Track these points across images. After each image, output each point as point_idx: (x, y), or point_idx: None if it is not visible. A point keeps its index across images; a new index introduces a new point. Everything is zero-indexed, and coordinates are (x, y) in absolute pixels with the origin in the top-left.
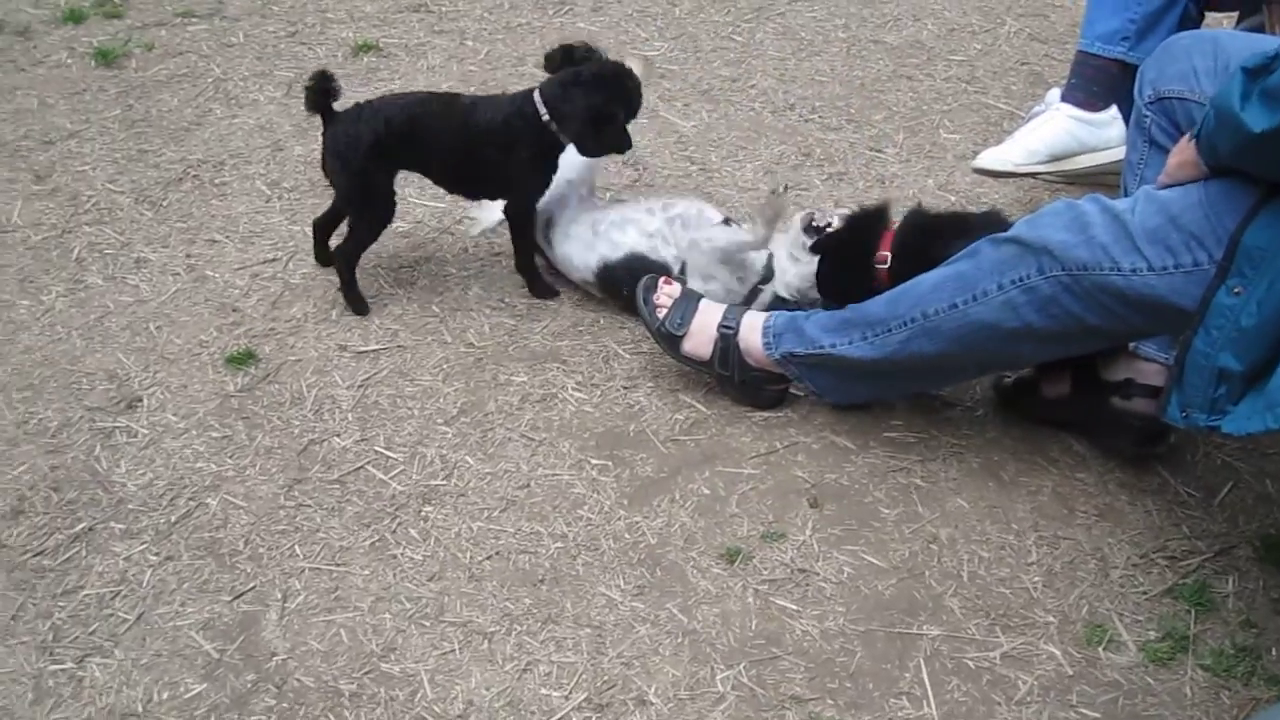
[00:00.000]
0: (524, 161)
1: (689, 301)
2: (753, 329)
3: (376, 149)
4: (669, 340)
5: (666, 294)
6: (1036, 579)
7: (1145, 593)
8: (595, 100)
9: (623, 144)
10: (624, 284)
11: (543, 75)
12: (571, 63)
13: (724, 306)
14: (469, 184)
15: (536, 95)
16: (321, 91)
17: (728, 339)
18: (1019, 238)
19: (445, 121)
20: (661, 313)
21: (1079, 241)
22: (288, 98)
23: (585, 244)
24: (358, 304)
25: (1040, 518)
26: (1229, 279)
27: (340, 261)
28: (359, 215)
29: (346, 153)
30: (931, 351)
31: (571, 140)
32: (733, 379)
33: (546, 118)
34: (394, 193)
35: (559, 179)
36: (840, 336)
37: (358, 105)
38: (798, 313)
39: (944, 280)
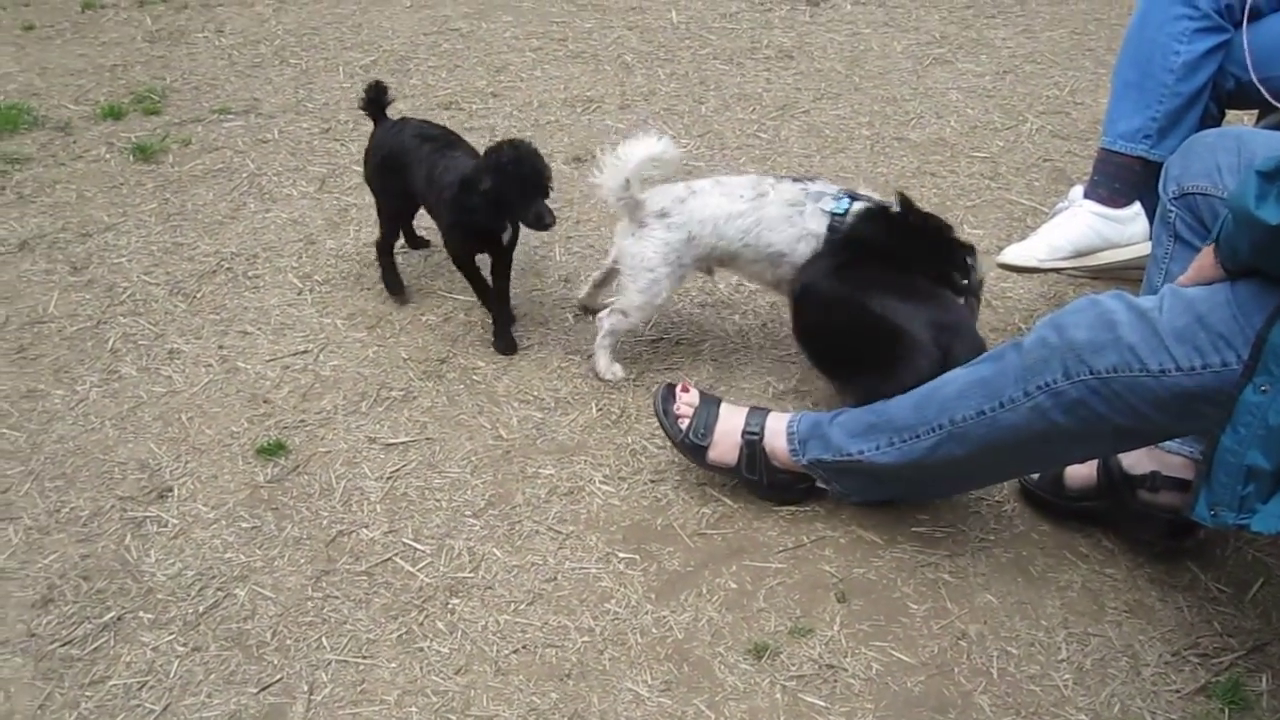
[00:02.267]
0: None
1: (709, 407)
2: (777, 434)
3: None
4: (694, 451)
5: (686, 403)
6: (1067, 676)
7: (1178, 691)
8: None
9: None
10: None
11: (568, 170)
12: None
13: (745, 409)
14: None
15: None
16: (373, 101)
17: (753, 445)
18: (1045, 341)
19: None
20: (684, 423)
21: (1106, 342)
22: (320, 193)
23: None
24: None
25: (1070, 614)
26: (1256, 377)
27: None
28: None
29: (369, 159)
30: (961, 455)
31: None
32: (761, 482)
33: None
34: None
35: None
36: (867, 443)
37: (394, 122)
38: (821, 416)
39: (969, 387)
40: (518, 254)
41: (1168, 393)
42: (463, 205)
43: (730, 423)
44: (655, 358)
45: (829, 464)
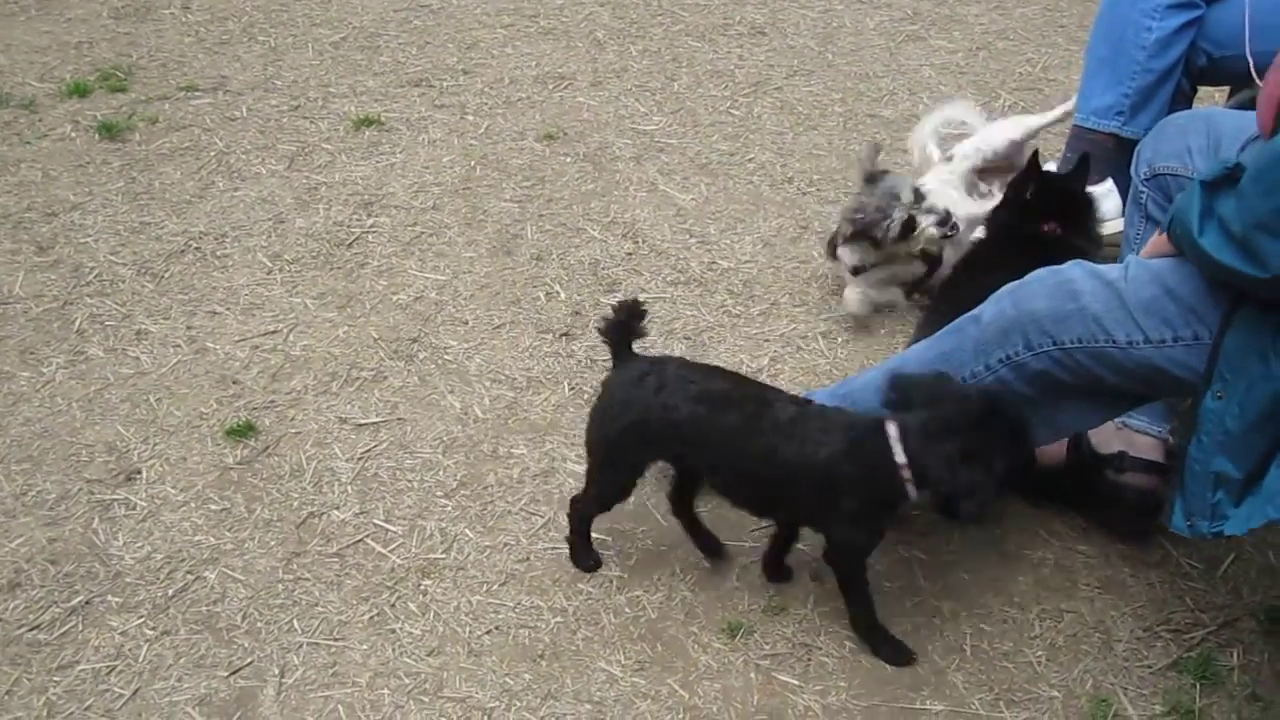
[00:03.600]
0: (849, 512)
1: None
2: None
3: (637, 432)
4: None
5: None
6: (1040, 653)
7: (1150, 666)
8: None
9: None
10: None
11: (540, 147)
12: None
13: None
14: (761, 508)
15: (892, 430)
16: (621, 325)
17: None
18: (1003, 313)
19: (739, 432)
20: None
21: (1069, 312)
22: (289, 171)
23: None
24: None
25: (1043, 590)
26: (1214, 384)
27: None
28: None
29: (605, 422)
30: None
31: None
32: None
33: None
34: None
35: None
36: None
37: (649, 364)
38: None
39: (930, 363)
40: (490, 231)
41: (1134, 364)
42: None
43: None
44: None
45: None
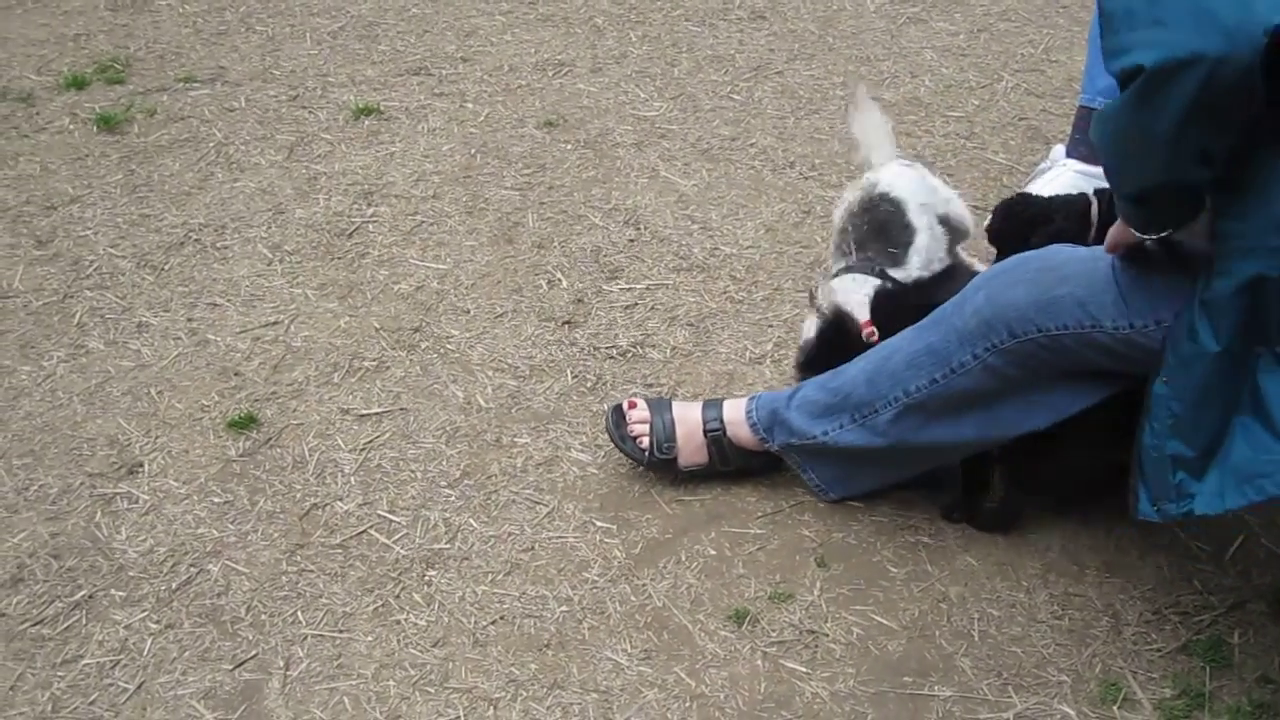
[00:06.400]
0: None
1: (662, 414)
2: (738, 424)
3: None
4: (664, 465)
5: (638, 420)
6: (1048, 637)
7: (1159, 649)
8: None
9: None
10: None
11: (540, 135)
12: None
13: (699, 405)
14: None
15: None
16: None
17: (719, 440)
18: (990, 300)
19: None
20: (643, 442)
21: (1051, 299)
22: (289, 161)
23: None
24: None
25: (1050, 574)
26: (1162, 369)
27: None
28: None
29: None
30: (922, 425)
31: None
32: (737, 471)
33: None
34: None
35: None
36: (829, 424)
37: None
38: (776, 401)
39: (917, 356)
40: (491, 219)
41: (1124, 347)
42: None
43: (688, 424)
44: (631, 324)
45: (798, 447)
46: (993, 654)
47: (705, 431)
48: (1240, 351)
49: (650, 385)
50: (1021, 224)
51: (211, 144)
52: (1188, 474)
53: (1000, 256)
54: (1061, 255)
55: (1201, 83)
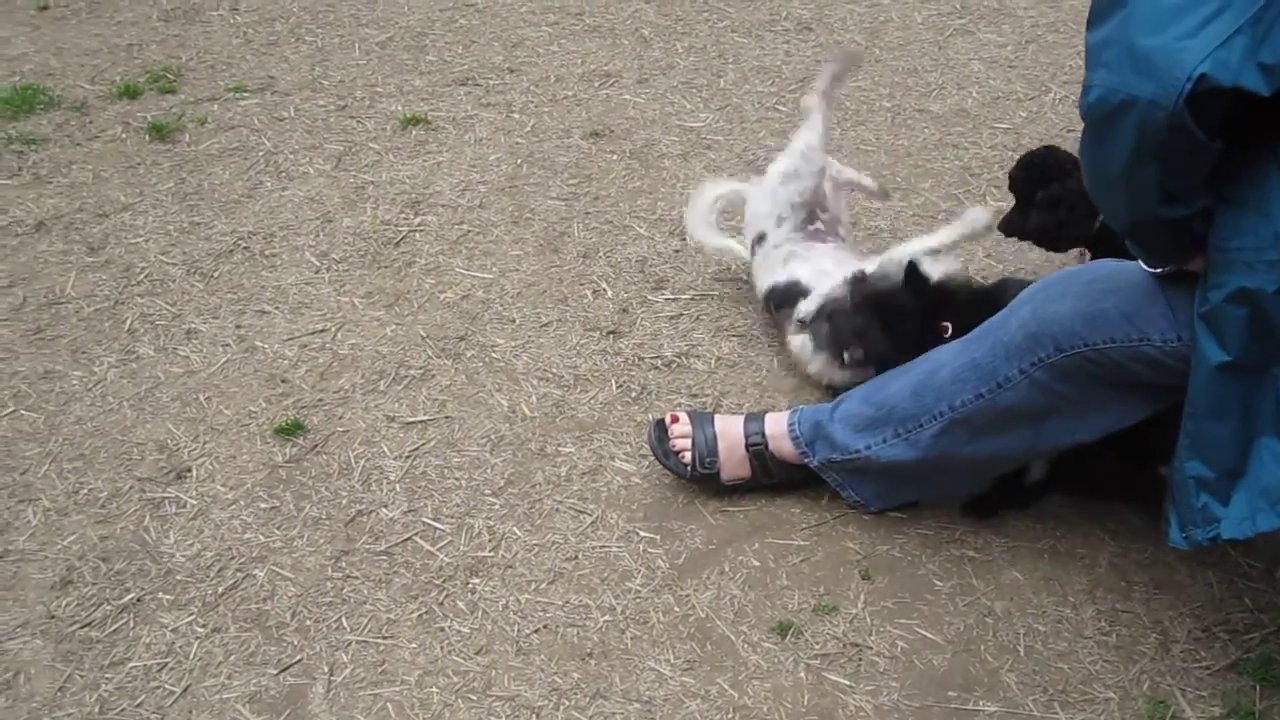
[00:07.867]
0: None
1: (704, 428)
2: (780, 437)
3: None
4: (707, 480)
5: (679, 434)
6: (1095, 653)
7: (1208, 667)
8: None
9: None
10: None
11: (586, 145)
12: None
13: (741, 419)
14: None
15: None
16: None
17: (761, 454)
18: (1036, 314)
19: None
20: (686, 456)
21: (1098, 312)
22: (337, 170)
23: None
24: None
25: (1098, 590)
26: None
27: None
28: None
29: None
30: (967, 439)
31: None
32: (780, 483)
33: None
34: None
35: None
36: (872, 437)
37: None
38: (819, 414)
39: (963, 370)
40: (537, 229)
41: (1173, 360)
42: None
43: (731, 437)
44: (676, 334)
45: (839, 463)
46: (1039, 670)
47: (747, 445)
48: (1256, 368)
49: (694, 396)
50: (1039, 174)
51: (261, 153)
52: (1211, 497)
53: (1017, 203)
54: (1108, 269)
55: (1137, 125)
